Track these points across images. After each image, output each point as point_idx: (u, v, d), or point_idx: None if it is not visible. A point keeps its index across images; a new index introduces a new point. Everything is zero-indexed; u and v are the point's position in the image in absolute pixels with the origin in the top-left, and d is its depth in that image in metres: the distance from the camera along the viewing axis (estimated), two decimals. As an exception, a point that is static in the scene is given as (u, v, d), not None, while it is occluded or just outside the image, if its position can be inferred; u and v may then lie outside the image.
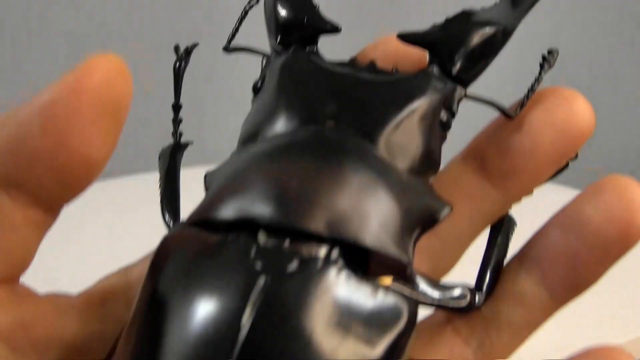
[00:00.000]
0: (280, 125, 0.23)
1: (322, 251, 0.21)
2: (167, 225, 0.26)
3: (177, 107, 0.28)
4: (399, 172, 0.23)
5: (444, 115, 0.24)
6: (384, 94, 0.23)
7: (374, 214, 0.22)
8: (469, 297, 0.25)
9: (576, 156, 0.26)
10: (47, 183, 0.23)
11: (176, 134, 0.28)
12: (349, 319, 0.21)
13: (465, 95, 0.25)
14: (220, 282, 0.21)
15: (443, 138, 0.24)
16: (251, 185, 0.22)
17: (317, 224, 0.21)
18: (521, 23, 0.25)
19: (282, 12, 0.25)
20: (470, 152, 0.26)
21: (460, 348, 0.26)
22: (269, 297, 0.21)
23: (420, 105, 0.23)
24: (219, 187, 0.23)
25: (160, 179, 0.27)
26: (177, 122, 0.28)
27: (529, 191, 0.26)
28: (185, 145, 0.28)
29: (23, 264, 0.25)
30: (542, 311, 0.26)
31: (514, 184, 0.25)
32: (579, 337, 0.55)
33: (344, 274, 0.21)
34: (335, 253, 0.21)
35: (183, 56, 0.28)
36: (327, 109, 0.23)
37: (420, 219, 0.23)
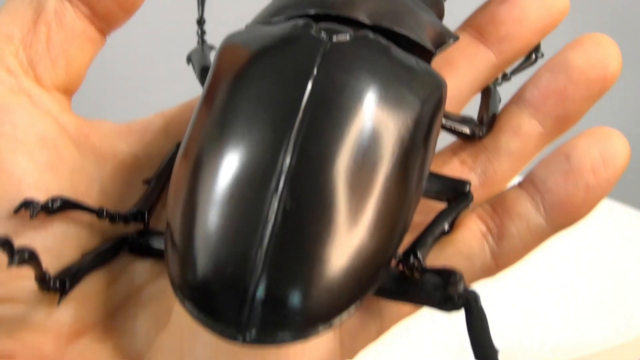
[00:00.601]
0: None
1: (368, 32, 0.26)
2: None
3: (200, 21, 0.33)
4: (419, 3, 0.28)
5: None
6: None
7: (405, 16, 0.27)
8: (473, 125, 0.30)
9: (542, 54, 0.31)
10: None
11: (202, 40, 0.33)
12: (399, 72, 0.26)
13: None
14: (290, 44, 0.26)
15: None
16: None
17: (361, 14, 0.26)
18: None
19: None
20: (468, 24, 0.31)
21: (466, 174, 0.30)
22: (332, 53, 0.25)
23: None
24: (266, 10, 0.28)
25: (195, 68, 0.32)
26: (201, 32, 0.33)
27: (518, 55, 0.31)
28: (211, 46, 0.33)
29: (78, 77, 0.28)
30: (535, 142, 0.30)
31: (508, 47, 0.31)
32: (579, 336, 0.55)
33: (390, 45, 0.26)
34: (378, 35, 0.26)
35: None
36: None
37: (436, 35, 0.28)
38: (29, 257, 0.23)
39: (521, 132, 0.30)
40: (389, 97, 0.25)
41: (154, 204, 0.27)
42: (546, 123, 0.30)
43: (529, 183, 0.29)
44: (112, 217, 0.26)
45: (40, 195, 0.25)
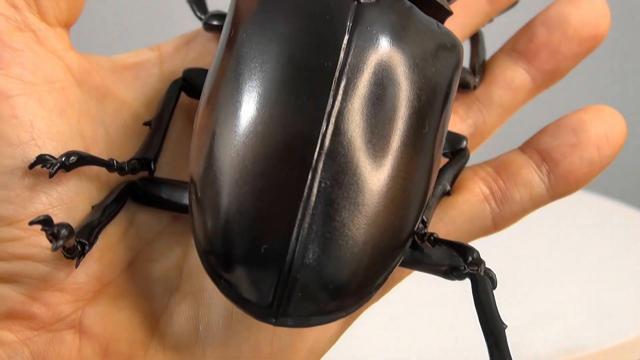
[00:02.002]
0: None
1: None
2: (200, 18, 0.30)
3: None
4: None
5: None
6: None
7: None
8: (467, 75, 0.30)
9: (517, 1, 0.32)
10: None
11: None
12: (425, 37, 0.25)
13: None
14: (319, 4, 0.24)
15: None
16: None
17: None
18: None
19: None
20: None
21: (458, 125, 0.30)
22: (362, 17, 0.24)
23: None
24: None
25: (193, 5, 0.31)
26: None
27: (510, 2, 0.31)
28: None
29: (78, 8, 0.27)
30: (524, 95, 0.31)
31: None
32: (579, 336, 0.55)
33: (414, 8, 0.25)
34: None
35: None
36: None
37: None
38: (69, 234, 0.23)
39: (513, 85, 0.31)
40: (419, 67, 0.24)
41: (158, 151, 0.27)
42: (537, 77, 0.31)
43: (534, 151, 0.29)
44: (122, 169, 0.26)
45: (53, 143, 0.25)
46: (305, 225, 0.22)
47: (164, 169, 0.28)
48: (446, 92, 0.25)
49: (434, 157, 0.25)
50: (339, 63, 0.24)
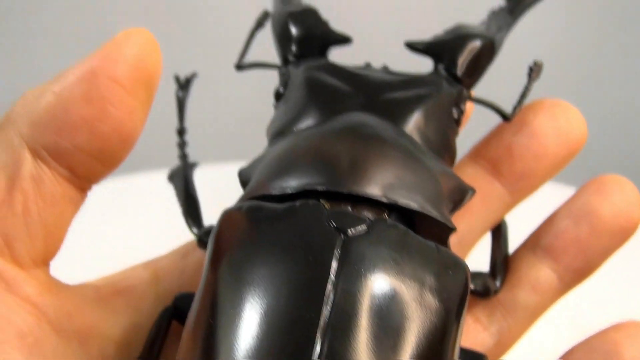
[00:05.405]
0: (314, 117, 0.25)
1: (383, 215, 0.23)
2: (195, 235, 0.28)
3: (182, 131, 0.30)
4: (429, 153, 0.25)
5: (454, 111, 0.26)
6: (405, 88, 0.25)
7: (420, 185, 0.24)
8: (486, 279, 0.27)
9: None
10: (85, 155, 0.23)
11: (183, 155, 0.30)
12: (422, 271, 0.22)
13: (470, 97, 0.27)
14: (301, 241, 0.22)
15: (455, 132, 0.26)
16: (303, 161, 0.23)
17: (374, 190, 0.23)
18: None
19: (296, 27, 0.27)
20: (481, 154, 0.28)
21: (481, 334, 0.28)
22: (350, 254, 0.21)
23: (436, 98, 0.25)
24: (266, 171, 0.24)
25: (178, 196, 0.29)
26: (183, 144, 0.30)
27: (533, 192, 0.28)
28: (194, 164, 0.30)
29: (57, 244, 0.25)
30: (552, 296, 0.28)
31: (524, 186, 0.28)
32: (579, 336, 0.56)
33: (409, 234, 0.23)
34: (393, 217, 0.23)
35: (184, 85, 0.30)
36: (356, 101, 0.25)
37: (453, 196, 0.24)
38: None
39: (539, 287, 0.28)
40: (416, 306, 0.21)
41: None
42: (565, 276, 0.28)
43: None
44: None
45: None
46: None
47: None
48: (452, 322, 0.22)
49: None
50: (322, 314, 0.20)
